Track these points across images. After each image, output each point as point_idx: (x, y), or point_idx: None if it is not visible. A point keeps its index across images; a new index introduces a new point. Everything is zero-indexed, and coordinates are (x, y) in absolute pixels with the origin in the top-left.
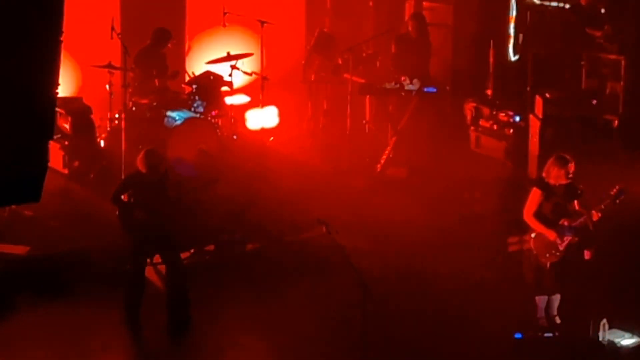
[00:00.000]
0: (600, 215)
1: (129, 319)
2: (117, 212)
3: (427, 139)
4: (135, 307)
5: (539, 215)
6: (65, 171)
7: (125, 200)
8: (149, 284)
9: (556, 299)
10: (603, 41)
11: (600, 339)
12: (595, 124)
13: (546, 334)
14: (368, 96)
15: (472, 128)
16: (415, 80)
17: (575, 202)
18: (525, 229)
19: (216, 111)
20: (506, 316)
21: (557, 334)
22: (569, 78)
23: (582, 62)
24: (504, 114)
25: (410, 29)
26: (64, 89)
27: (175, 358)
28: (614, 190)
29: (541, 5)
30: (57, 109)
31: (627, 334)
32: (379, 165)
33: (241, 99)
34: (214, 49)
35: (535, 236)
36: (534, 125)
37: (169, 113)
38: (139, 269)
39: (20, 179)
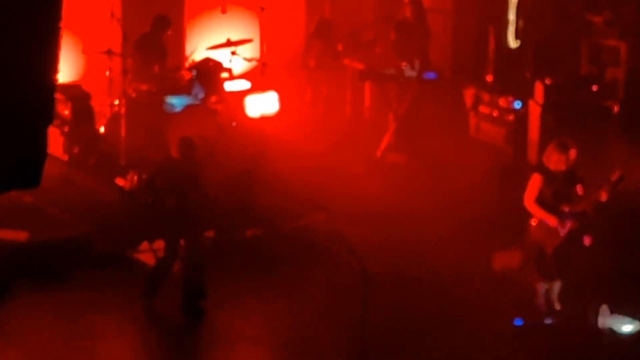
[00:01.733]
0: (608, 195)
1: (147, 305)
2: (149, 200)
3: (427, 125)
4: (154, 293)
5: (539, 201)
6: (65, 157)
7: (156, 187)
8: (149, 270)
9: (557, 285)
10: (603, 27)
11: (600, 325)
12: (596, 110)
13: (546, 321)
14: (368, 82)
15: (472, 114)
16: (416, 63)
17: (578, 187)
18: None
19: (216, 97)
20: (506, 302)
21: (557, 320)
22: (569, 64)
23: (582, 48)
24: (504, 100)
25: (407, 14)
26: (63, 75)
27: (174, 342)
28: (615, 175)
29: None
30: (56, 95)
31: (627, 320)
32: (378, 151)
33: (241, 85)
34: (213, 35)
35: (537, 222)
36: (534, 111)
37: (168, 99)
38: (171, 255)
39: (20, 165)
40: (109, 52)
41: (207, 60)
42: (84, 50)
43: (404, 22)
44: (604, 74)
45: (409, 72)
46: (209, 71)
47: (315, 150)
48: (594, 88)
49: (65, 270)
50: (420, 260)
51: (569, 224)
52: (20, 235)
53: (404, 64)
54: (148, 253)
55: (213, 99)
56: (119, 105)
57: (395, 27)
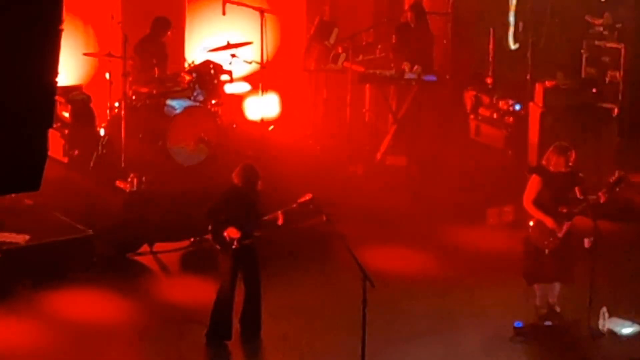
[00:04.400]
0: (607, 197)
1: (216, 335)
2: (209, 228)
3: (426, 127)
4: (225, 323)
5: (538, 202)
6: (65, 160)
7: (219, 218)
8: (148, 272)
9: (556, 286)
10: (603, 29)
11: (600, 327)
12: (595, 112)
13: (546, 323)
14: (368, 85)
15: (471, 116)
16: (416, 67)
17: (576, 189)
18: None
19: (216, 100)
20: (506, 304)
21: (556, 322)
22: (569, 66)
23: (582, 51)
24: (504, 103)
25: (409, 19)
26: (63, 78)
27: (176, 343)
28: (614, 177)
29: None
30: (56, 98)
31: (626, 323)
32: (378, 154)
33: (241, 87)
34: (213, 37)
35: (534, 223)
36: (534, 113)
37: (168, 102)
38: (232, 285)
39: (20, 167)
40: (109, 55)
41: (207, 63)
42: (84, 52)
43: (404, 25)
44: (604, 77)
45: (409, 75)
46: (209, 74)
47: (315, 153)
48: (594, 90)
49: (66, 272)
50: (420, 261)
51: (566, 226)
52: (20, 238)
53: (403, 66)
54: (148, 256)
55: (213, 101)
56: (119, 107)
57: (395, 31)
